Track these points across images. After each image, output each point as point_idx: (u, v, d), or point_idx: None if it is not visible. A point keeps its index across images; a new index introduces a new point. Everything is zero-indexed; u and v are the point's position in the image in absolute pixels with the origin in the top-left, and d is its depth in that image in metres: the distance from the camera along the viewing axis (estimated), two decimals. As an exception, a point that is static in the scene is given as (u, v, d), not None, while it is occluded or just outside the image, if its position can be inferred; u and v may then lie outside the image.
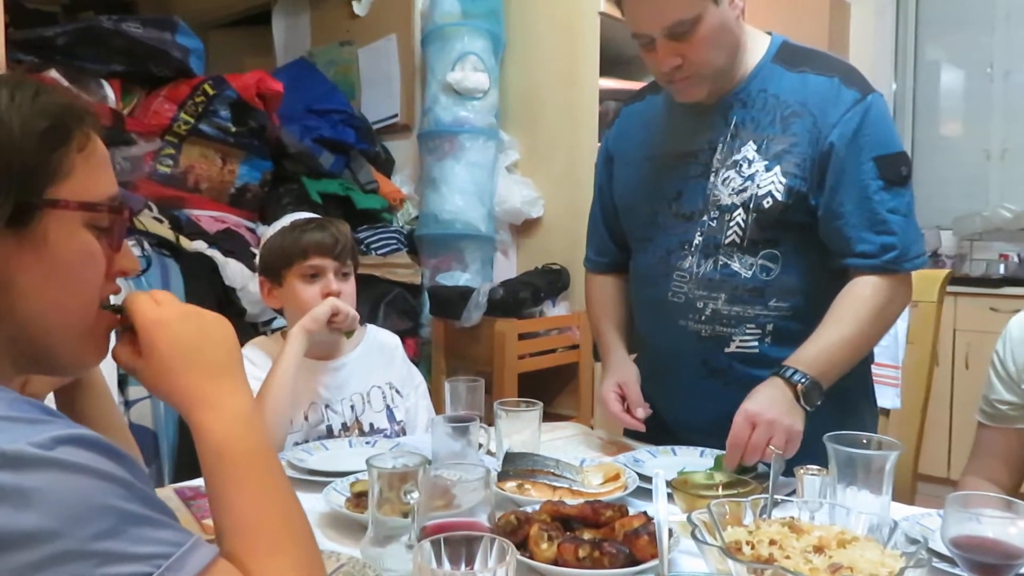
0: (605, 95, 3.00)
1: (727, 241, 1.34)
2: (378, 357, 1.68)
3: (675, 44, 1.25)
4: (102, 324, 0.74)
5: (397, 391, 1.67)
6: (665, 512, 0.86)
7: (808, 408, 1.22)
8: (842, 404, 1.37)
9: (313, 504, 1.11)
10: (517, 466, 1.22)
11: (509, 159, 3.16)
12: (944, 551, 0.85)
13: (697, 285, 1.36)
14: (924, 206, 4.07)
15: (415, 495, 0.92)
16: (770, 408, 1.19)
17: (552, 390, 3.01)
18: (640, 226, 1.47)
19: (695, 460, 1.34)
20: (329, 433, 1.56)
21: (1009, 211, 3.67)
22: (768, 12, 3.69)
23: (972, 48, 4.05)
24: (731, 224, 1.33)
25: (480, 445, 1.34)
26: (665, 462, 1.33)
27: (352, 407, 1.60)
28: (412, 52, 3.20)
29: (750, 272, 1.33)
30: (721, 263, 1.34)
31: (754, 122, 1.33)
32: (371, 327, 1.73)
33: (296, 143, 2.78)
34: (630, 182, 1.49)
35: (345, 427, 1.59)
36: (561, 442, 1.53)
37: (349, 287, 1.60)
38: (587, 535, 0.96)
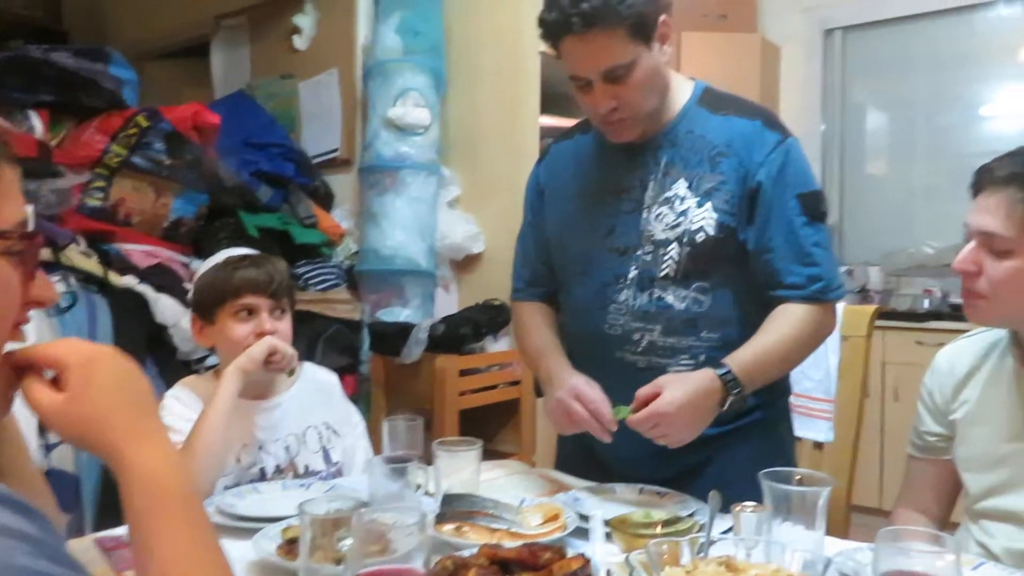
0: (545, 132, 3.05)
1: (662, 274, 1.38)
2: (314, 396, 1.64)
3: (611, 87, 1.30)
4: (5, 369, 0.71)
5: (334, 431, 1.63)
6: (602, 553, 0.85)
7: (722, 410, 1.29)
8: (767, 436, 1.44)
9: (242, 552, 1.07)
10: (455, 508, 1.20)
11: (451, 194, 3.17)
12: (876, 586, 0.86)
13: (633, 317, 1.39)
14: (853, 243, 4.26)
15: (348, 541, 0.89)
16: (680, 414, 1.24)
17: (493, 427, 2.99)
18: (574, 260, 1.49)
19: (634, 497, 1.34)
20: (262, 476, 1.51)
21: (932, 247, 3.82)
22: (704, 55, 3.82)
23: (895, 91, 4.24)
24: (665, 258, 1.37)
25: (419, 486, 1.31)
26: (605, 500, 1.32)
27: (287, 448, 1.56)
28: (353, 87, 3.20)
29: (683, 304, 1.37)
30: (656, 295, 1.38)
31: (683, 161, 1.39)
32: (308, 365, 1.69)
33: (233, 176, 2.74)
34: (563, 217, 1.51)
35: (279, 469, 1.54)
36: (501, 481, 1.51)
37: (284, 326, 1.57)
38: (524, 578, 0.95)
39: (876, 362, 3.36)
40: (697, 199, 1.36)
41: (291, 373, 1.57)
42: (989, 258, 1.14)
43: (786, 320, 1.35)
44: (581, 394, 1.33)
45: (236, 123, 2.95)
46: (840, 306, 1.77)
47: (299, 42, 3.34)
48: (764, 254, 1.36)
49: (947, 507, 1.38)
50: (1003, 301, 1.15)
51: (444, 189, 3.13)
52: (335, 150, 3.27)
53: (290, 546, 1.06)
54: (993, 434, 1.23)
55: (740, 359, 1.30)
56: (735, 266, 1.38)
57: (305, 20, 3.33)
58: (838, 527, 1.65)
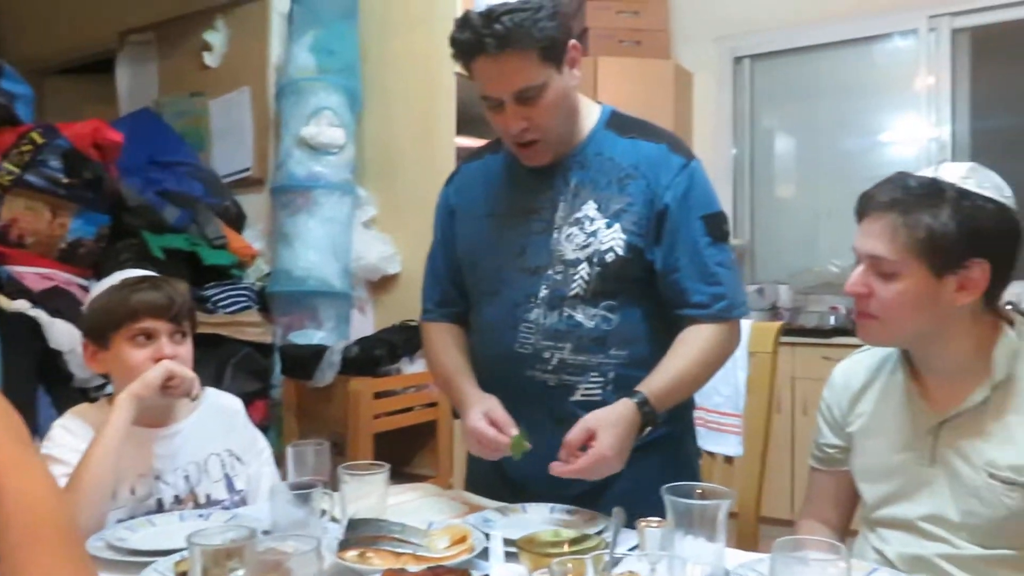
0: (462, 152, 3.05)
1: (571, 293, 1.39)
2: (217, 422, 1.58)
3: (522, 108, 1.33)
4: None
5: (238, 458, 1.57)
6: (504, 573, 0.84)
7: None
8: (673, 450, 1.47)
9: (130, 588, 1.01)
10: (360, 533, 1.17)
11: (366, 215, 3.13)
12: (773, 597, 0.87)
13: (544, 336, 1.40)
14: (764, 262, 4.40)
15: (239, 573, 0.85)
16: (618, 456, 1.27)
17: (410, 450, 2.94)
18: (485, 280, 1.49)
19: (545, 516, 1.33)
20: (159, 507, 1.44)
21: (836, 267, 3.98)
22: (619, 80, 3.90)
23: (802, 117, 4.42)
24: (575, 277, 1.39)
25: (324, 512, 1.27)
26: (515, 520, 1.31)
27: (187, 477, 1.49)
28: (266, 105, 3.14)
29: (592, 322, 1.39)
30: (566, 314, 1.39)
31: (592, 183, 1.41)
32: (210, 390, 1.63)
33: (137, 196, 2.64)
34: (474, 237, 1.51)
35: (178, 500, 1.47)
36: (412, 505, 1.48)
37: (185, 351, 1.51)
38: (428, 603, 0.92)
39: (786, 377, 3.46)
40: (606, 220, 1.39)
41: (193, 398, 1.51)
42: (878, 281, 1.18)
43: (694, 343, 1.38)
44: (495, 420, 1.34)
45: (141, 141, 2.86)
46: (747, 323, 1.82)
47: (210, 59, 3.26)
48: (671, 274, 1.39)
49: (847, 516, 1.41)
50: (893, 321, 1.19)
51: (359, 209, 3.10)
52: (247, 169, 3.20)
53: (181, 580, 1.01)
54: (886, 445, 1.27)
55: (653, 386, 1.32)
56: (642, 285, 1.41)
57: (216, 37, 3.26)
58: (748, 539, 1.68)
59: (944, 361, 1.21)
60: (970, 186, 1.15)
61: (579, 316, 1.39)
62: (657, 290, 1.42)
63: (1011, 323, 1.21)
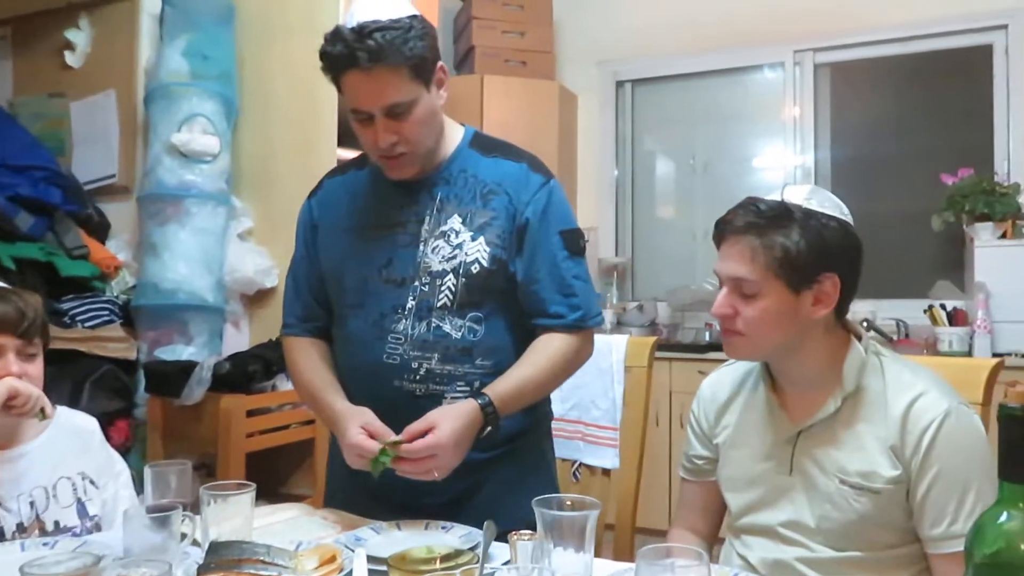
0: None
1: (439, 304, 1.43)
2: (69, 443, 1.47)
3: (392, 122, 1.36)
4: None
5: (91, 481, 1.47)
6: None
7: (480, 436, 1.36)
8: (531, 457, 1.53)
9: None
10: (222, 556, 1.10)
11: (242, 226, 3.02)
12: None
13: (412, 346, 1.42)
14: (644, 280, 4.54)
15: (79, 604, 0.79)
16: (455, 448, 1.30)
17: (286, 469, 2.84)
18: (350, 292, 1.49)
19: (419, 532, 1.31)
20: (0, 536, 1.33)
21: (711, 285, 4.15)
22: (505, 99, 3.94)
23: (678, 142, 4.60)
24: (442, 288, 1.43)
25: (184, 536, 1.20)
26: (389, 538, 1.28)
27: (32, 503, 1.38)
28: (134, 109, 2.99)
29: (459, 333, 1.43)
30: (434, 325, 1.42)
31: (457, 198, 1.46)
32: (63, 409, 1.52)
33: (-15, 201, 2.44)
34: (338, 250, 1.52)
35: (22, 528, 1.36)
36: (281, 525, 1.42)
37: (35, 368, 1.41)
38: (290, 627, 0.88)
39: (664, 391, 3.56)
40: (471, 233, 1.44)
41: (42, 417, 1.41)
42: (740, 301, 1.24)
43: (544, 351, 1.44)
44: (374, 431, 1.33)
45: (-9, 142, 2.65)
46: (623, 338, 1.87)
47: (71, 59, 3.07)
48: (531, 285, 1.45)
49: (715, 525, 1.46)
50: (757, 337, 1.25)
51: (235, 220, 2.98)
52: (111, 176, 3.02)
53: (16, 615, 0.93)
54: (749, 456, 1.32)
55: (499, 390, 1.37)
56: (506, 297, 1.46)
57: (79, 36, 3.07)
58: (624, 549, 1.71)
59: (801, 373, 1.28)
60: (813, 206, 1.23)
61: (446, 327, 1.42)
62: (520, 301, 1.47)
63: (859, 337, 1.29)
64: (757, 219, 1.22)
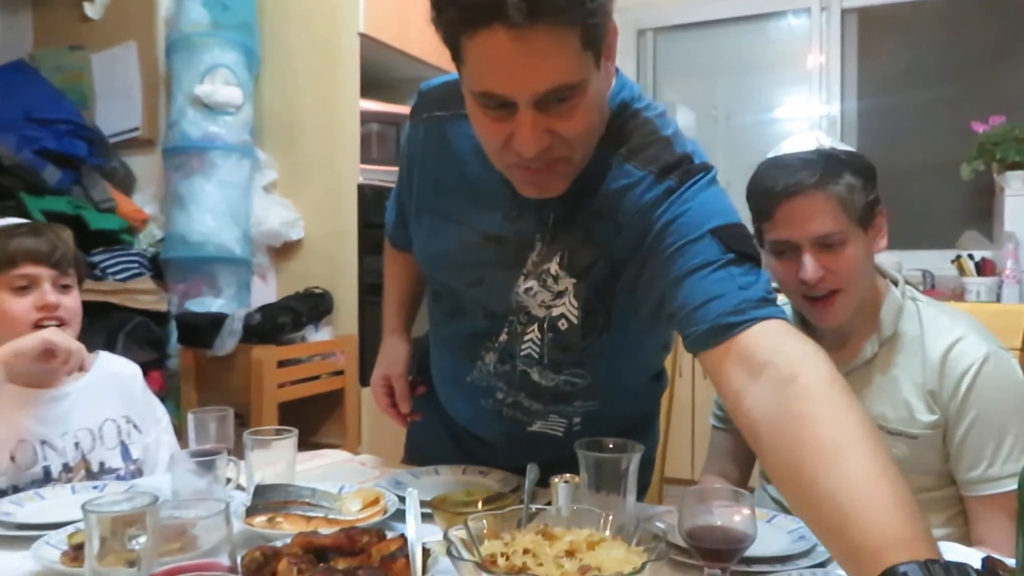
0: (367, 117, 2.97)
1: (523, 353, 1.16)
2: (112, 387, 1.50)
3: (546, 117, 0.91)
4: None
5: (135, 426, 1.50)
6: (417, 531, 0.83)
7: None
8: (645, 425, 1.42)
9: (19, 563, 0.95)
10: (268, 499, 1.13)
11: (266, 178, 3.01)
12: (681, 543, 0.90)
13: (498, 378, 1.22)
14: (664, 232, 4.51)
15: (141, 540, 0.81)
16: None
17: (317, 419, 2.89)
18: (438, 293, 1.28)
19: (457, 477, 1.33)
20: (46, 476, 1.36)
21: (735, 235, 4.12)
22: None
23: (700, 92, 4.52)
24: (525, 339, 1.15)
25: (229, 480, 1.23)
26: (428, 482, 1.30)
27: (77, 444, 1.41)
28: (155, 61, 2.96)
29: (552, 383, 1.18)
30: (520, 370, 1.18)
31: (573, 225, 1.09)
32: (103, 354, 1.55)
33: (12, 155, 2.45)
34: (421, 231, 1.22)
35: (67, 468, 1.39)
36: (321, 471, 1.45)
37: (71, 301, 1.42)
38: (342, 564, 0.91)
39: (685, 343, 3.57)
40: (573, 280, 1.10)
41: (80, 371, 1.43)
42: (828, 257, 1.20)
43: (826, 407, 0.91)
44: (395, 390, 1.35)
45: (15, 96, 2.65)
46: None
47: (91, 10, 3.04)
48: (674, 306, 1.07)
49: (745, 473, 1.48)
50: (854, 288, 1.23)
51: (259, 173, 2.98)
52: (135, 129, 3.01)
53: (76, 552, 0.96)
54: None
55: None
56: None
57: (98, -14, 3.04)
58: (652, 497, 1.74)
59: (845, 321, 1.27)
60: (839, 147, 1.23)
61: (535, 376, 1.18)
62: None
63: (895, 283, 1.28)
64: (814, 172, 1.19)
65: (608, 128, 1.03)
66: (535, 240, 1.09)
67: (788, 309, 1.36)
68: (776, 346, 0.87)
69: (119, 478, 1.41)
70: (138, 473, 1.47)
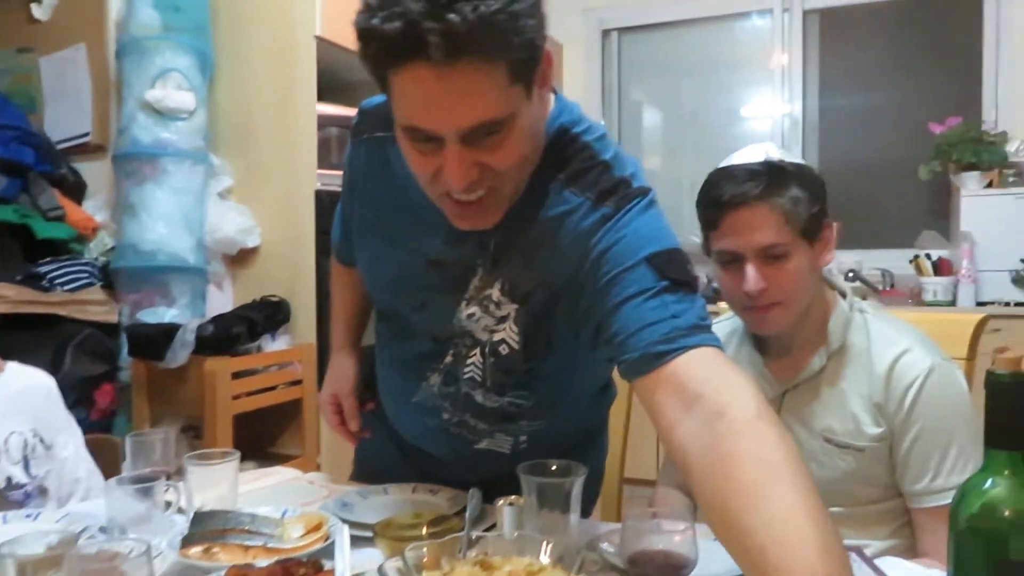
0: (324, 121, 2.93)
1: (465, 376, 1.16)
2: (20, 398, 1.44)
3: (474, 151, 0.88)
4: None
5: (41, 440, 1.44)
6: (345, 568, 0.80)
7: None
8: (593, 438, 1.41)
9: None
10: (206, 526, 1.10)
11: (221, 184, 2.96)
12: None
13: (443, 399, 1.21)
14: (629, 233, 4.51)
15: (62, 582, 0.78)
16: None
17: (275, 430, 2.84)
18: (382, 312, 1.28)
19: (407, 496, 1.30)
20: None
21: (697, 237, 4.13)
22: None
23: (666, 92, 4.54)
24: (468, 363, 1.15)
25: (169, 504, 1.20)
26: (376, 503, 1.27)
27: None
28: (105, 65, 2.89)
29: (496, 404, 1.18)
30: (464, 392, 1.18)
31: (513, 251, 1.08)
32: (12, 364, 1.49)
33: (-45, 163, 2.38)
34: (365, 251, 1.21)
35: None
36: (268, 491, 1.41)
37: None
38: (275, 599, 0.88)
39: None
40: (515, 306, 1.10)
41: None
42: (770, 269, 1.20)
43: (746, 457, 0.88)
44: (342, 408, 1.34)
45: (-42, 101, 2.57)
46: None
47: (38, 11, 2.96)
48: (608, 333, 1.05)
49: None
50: (794, 300, 1.22)
51: (214, 179, 2.92)
52: (85, 135, 2.94)
53: (-4, 592, 0.92)
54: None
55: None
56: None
57: (45, -13, 2.97)
58: (610, 500, 1.73)
59: (791, 333, 1.27)
60: (787, 158, 1.22)
61: (479, 398, 1.17)
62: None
63: (843, 295, 1.28)
64: (759, 183, 1.19)
65: (546, 153, 1.02)
66: (476, 266, 1.08)
67: (737, 321, 1.35)
68: (706, 376, 0.87)
69: (26, 495, 1.36)
70: (41, 491, 1.41)
